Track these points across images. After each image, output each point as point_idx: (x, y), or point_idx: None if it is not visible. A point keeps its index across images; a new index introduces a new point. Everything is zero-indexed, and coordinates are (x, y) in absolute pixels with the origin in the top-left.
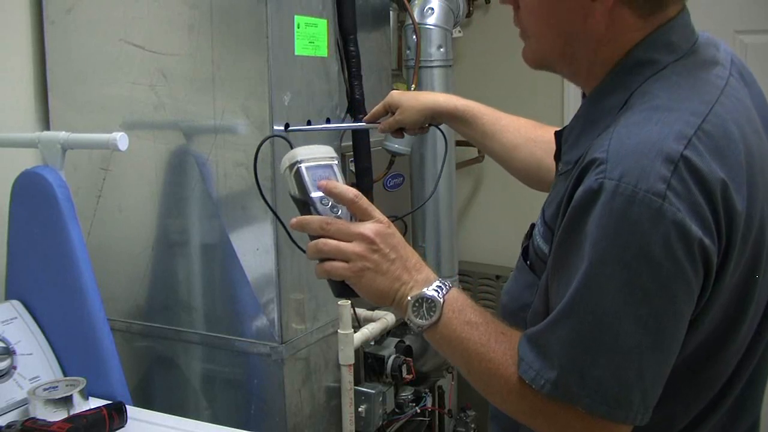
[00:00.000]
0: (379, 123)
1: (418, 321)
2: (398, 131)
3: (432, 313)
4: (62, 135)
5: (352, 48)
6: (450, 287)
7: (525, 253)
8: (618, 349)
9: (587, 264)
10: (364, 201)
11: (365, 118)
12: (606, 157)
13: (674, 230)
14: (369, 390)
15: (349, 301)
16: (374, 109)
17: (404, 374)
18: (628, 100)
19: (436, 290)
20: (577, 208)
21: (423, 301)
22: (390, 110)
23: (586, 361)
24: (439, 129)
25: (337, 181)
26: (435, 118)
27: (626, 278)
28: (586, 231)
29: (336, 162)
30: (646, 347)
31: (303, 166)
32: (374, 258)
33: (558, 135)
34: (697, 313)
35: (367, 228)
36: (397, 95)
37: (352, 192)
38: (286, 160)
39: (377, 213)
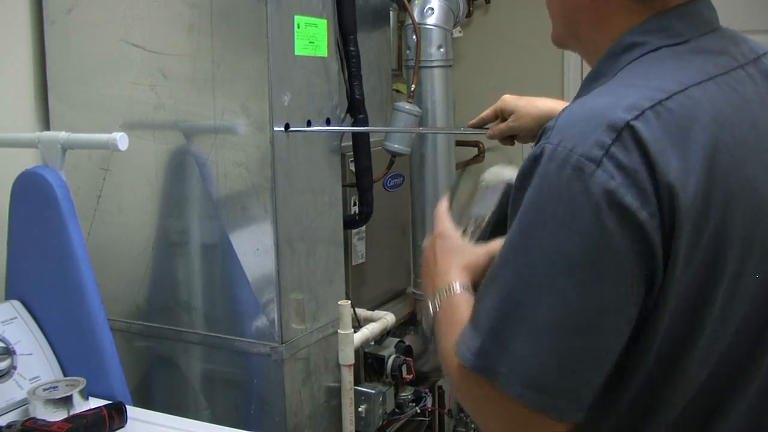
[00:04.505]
0: (487, 129)
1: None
2: (508, 139)
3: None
4: (62, 135)
5: (352, 48)
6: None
7: None
8: (537, 324)
9: (516, 229)
10: (437, 213)
11: (471, 123)
12: (553, 125)
13: (605, 199)
14: (369, 390)
15: (349, 301)
16: (483, 114)
17: (404, 374)
18: (614, 78)
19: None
20: (519, 176)
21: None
22: (501, 116)
23: (507, 332)
24: None
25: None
26: None
27: (551, 246)
28: (524, 198)
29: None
30: (569, 326)
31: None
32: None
33: None
34: (651, 308)
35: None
36: (511, 100)
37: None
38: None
39: (439, 226)
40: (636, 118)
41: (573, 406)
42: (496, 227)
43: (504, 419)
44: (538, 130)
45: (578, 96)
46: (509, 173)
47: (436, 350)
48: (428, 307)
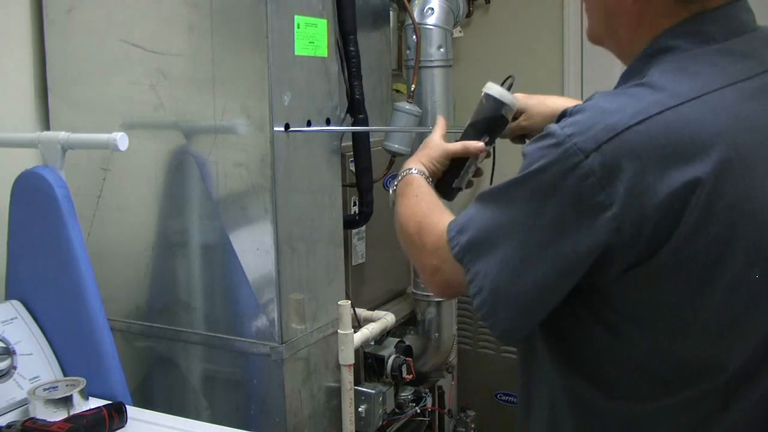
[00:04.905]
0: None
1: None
2: (519, 138)
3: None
4: (62, 135)
5: (352, 48)
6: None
7: None
8: (501, 255)
9: (511, 180)
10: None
11: None
12: (571, 111)
13: (577, 190)
14: (369, 390)
15: (349, 301)
16: None
17: (404, 374)
18: (638, 79)
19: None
20: (529, 144)
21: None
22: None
23: (488, 243)
24: None
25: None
26: None
27: (530, 199)
28: (525, 157)
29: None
30: (518, 269)
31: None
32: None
33: None
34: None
35: None
36: (522, 99)
37: None
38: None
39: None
40: (639, 122)
41: (497, 315)
42: (468, 129)
43: (442, 278)
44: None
45: (617, 87)
46: (489, 86)
47: (394, 216)
48: (390, 189)
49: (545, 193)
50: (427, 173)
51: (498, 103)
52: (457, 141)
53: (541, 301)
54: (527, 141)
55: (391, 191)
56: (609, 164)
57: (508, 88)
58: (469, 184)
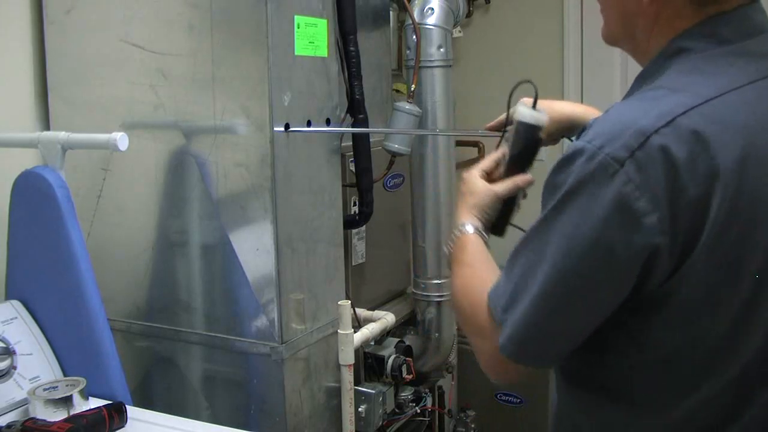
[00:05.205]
0: (505, 131)
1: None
2: None
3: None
4: (62, 135)
5: (352, 48)
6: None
7: None
8: (535, 291)
9: (545, 212)
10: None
11: (489, 125)
12: (592, 124)
13: (619, 200)
14: (369, 390)
15: (349, 301)
16: (501, 117)
17: (404, 374)
18: (655, 82)
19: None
20: (554, 165)
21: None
22: None
23: (518, 297)
24: (572, 141)
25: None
26: (572, 130)
27: (565, 228)
28: (555, 182)
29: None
30: (556, 300)
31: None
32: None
33: None
34: (658, 294)
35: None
36: (530, 103)
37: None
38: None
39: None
40: (666, 124)
41: (541, 362)
42: (511, 163)
43: (490, 356)
44: (557, 133)
45: (628, 94)
46: (521, 112)
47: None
48: (445, 247)
49: (585, 210)
50: (481, 226)
51: (534, 129)
52: (497, 174)
53: (589, 324)
54: (535, 102)
55: (446, 249)
56: (644, 169)
57: (534, 101)
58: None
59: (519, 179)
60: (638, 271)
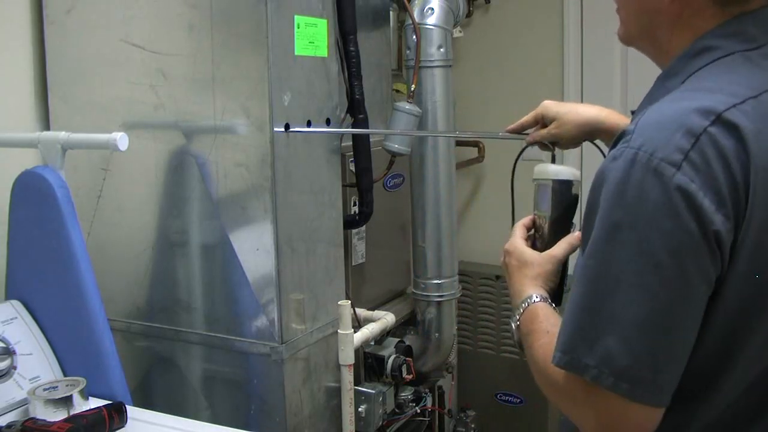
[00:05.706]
0: (526, 134)
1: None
2: (546, 144)
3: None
4: (62, 135)
5: (352, 48)
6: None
7: None
8: (627, 320)
9: (599, 230)
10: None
11: (510, 128)
12: (633, 129)
13: (685, 201)
14: (369, 390)
15: (349, 301)
16: (523, 119)
17: (404, 374)
18: (684, 82)
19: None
20: (598, 177)
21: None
22: (543, 122)
23: (595, 330)
24: (597, 146)
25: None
26: (594, 134)
27: (637, 246)
28: (603, 198)
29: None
30: (658, 321)
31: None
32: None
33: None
34: (714, 299)
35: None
36: (553, 106)
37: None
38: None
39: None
40: (713, 123)
41: (664, 394)
42: (555, 224)
43: (598, 412)
44: (580, 137)
45: (650, 93)
46: (554, 170)
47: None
48: (512, 323)
49: (650, 220)
50: (547, 294)
51: (572, 185)
52: (537, 238)
53: (687, 340)
54: (553, 147)
55: (513, 326)
56: (701, 169)
57: (553, 159)
58: None
59: (572, 239)
60: (714, 273)
